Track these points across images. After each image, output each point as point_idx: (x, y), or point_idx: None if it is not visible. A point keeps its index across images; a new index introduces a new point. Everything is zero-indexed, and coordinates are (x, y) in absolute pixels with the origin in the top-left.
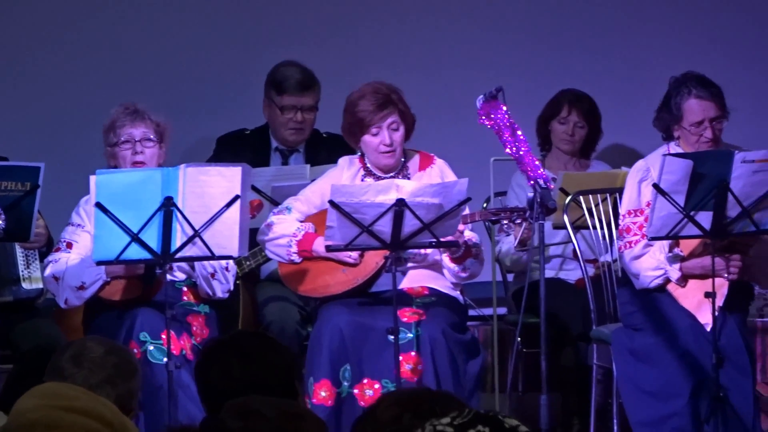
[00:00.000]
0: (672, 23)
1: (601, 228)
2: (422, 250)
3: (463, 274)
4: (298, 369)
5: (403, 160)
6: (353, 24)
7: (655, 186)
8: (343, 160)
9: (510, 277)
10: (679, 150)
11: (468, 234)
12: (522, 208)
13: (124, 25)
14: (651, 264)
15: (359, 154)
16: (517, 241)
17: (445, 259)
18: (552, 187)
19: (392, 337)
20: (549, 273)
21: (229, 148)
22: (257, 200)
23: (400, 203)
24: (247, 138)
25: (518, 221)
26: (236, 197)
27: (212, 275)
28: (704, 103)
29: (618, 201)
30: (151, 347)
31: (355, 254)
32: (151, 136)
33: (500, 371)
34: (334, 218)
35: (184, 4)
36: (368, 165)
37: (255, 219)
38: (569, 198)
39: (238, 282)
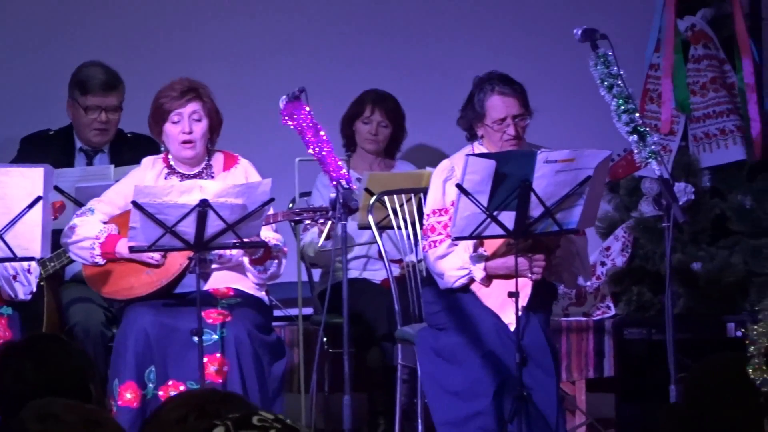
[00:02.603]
0: (474, 24)
1: (406, 228)
2: (227, 252)
3: (264, 276)
4: (94, 372)
5: (207, 159)
6: (158, 24)
7: (458, 186)
8: (147, 160)
9: (316, 277)
10: (484, 149)
11: (272, 235)
12: (325, 208)
13: None
14: (455, 263)
15: (163, 150)
16: (322, 237)
17: (245, 260)
18: (355, 187)
19: (197, 338)
20: (354, 273)
21: (33, 149)
22: (59, 201)
23: (204, 204)
24: (51, 138)
25: (321, 221)
26: (38, 198)
27: (14, 277)
28: (507, 99)
29: (422, 201)
30: None
31: (157, 255)
32: None
33: (306, 372)
34: (138, 219)
35: None
36: (172, 163)
37: (58, 220)
38: (374, 198)
39: (42, 283)
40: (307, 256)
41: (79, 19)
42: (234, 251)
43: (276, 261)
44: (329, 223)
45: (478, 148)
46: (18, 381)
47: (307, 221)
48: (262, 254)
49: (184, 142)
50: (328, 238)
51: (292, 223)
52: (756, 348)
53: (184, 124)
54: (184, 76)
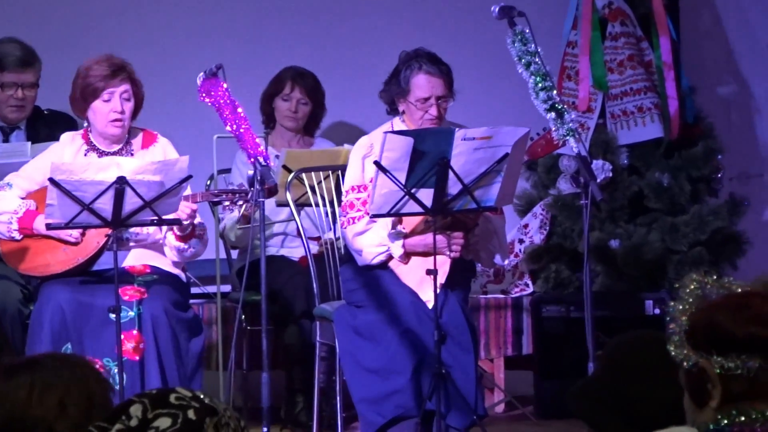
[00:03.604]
0: (393, 1)
1: (324, 205)
2: (144, 229)
3: (186, 254)
4: (10, 348)
5: (127, 137)
6: (75, 1)
7: (376, 163)
8: (66, 136)
9: (234, 254)
10: (403, 126)
11: None
12: (244, 189)
13: None
14: (374, 240)
15: (85, 126)
16: (240, 216)
17: (170, 237)
18: (272, 165)
19: (113, 315)
20: (272, 250)
21: None
22: None
23: (121, 181)
24: None
25: (240, 202)
26: None
27: None
28: (433, 79)
29: (341, 178)
30: None
31: (76, 233)
32: None
33: (224, 349)
34: (54, 196)
35: None
36: (92, 139)
37: None
38: (292, 175)
39: None
40: (228, 240)
41: None
42: (151, 230)
43: (200, 240)
44: (245, 205)
45: (398, 124)
46: None
47: (227, 202)
48: (189, 231)
49: (115, 120)
50: (247, 221)
51: (211, 204)
52: (677, 326)
53: (115, 103)
54: (101, 53)
